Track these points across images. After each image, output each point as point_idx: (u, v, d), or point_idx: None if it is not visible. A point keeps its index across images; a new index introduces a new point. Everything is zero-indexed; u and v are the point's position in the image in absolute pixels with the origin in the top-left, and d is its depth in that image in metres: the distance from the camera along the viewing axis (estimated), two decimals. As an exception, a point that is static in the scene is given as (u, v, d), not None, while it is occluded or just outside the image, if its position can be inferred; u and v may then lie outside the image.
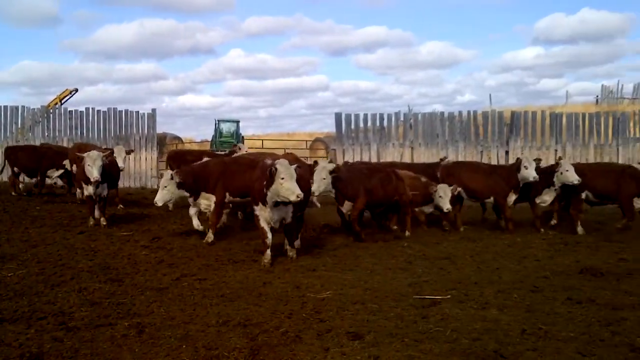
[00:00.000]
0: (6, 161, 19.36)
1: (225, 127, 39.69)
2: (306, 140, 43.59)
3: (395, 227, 13.35)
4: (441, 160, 16.10)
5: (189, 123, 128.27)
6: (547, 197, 13.83)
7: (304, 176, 10.45)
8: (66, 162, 17.97)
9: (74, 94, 37.77)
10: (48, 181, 18.75)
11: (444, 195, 12.86)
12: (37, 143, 23.45)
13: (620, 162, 25.15)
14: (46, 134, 26.25)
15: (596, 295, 7.94)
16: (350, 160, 22.14)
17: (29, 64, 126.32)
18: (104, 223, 13.20)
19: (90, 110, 27.16)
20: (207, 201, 12.09)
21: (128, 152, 16.33)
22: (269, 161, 9.88)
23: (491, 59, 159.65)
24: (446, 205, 12.86)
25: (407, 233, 12.75)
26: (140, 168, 26.61)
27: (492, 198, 13.83)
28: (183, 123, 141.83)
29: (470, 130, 26.86)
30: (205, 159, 13.37)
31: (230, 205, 12.51)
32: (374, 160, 24.72)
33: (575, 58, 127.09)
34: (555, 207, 14.10)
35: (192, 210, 12.26)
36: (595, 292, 8.12)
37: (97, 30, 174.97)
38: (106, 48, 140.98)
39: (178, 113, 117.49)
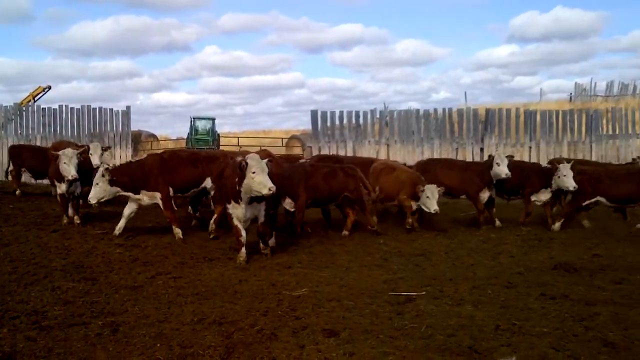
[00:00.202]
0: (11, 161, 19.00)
1: (201, 125, 39.53)
2: (282, 138, 43.52)
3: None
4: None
5: (165, 120, 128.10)
6: (542, 197, 13.84)
7: (277, 172, 10.44)
8: None
9: (47, 91, 37.43)
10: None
11: (431, 196, 12.54)
12: (10, 141, 23.20)
13: (593, 159, 25.42)
14: (19, 131, 25.93)
15: (570, 291, 8.02)
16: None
17: (1, 61, 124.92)
18: (78, 221, 13.06)
19: (64, 107, 26.87)
20: (150, 199, 11.96)
21: (105, 149, 16.16)
22: (239, 158, 9.86)
23: (466, 57, 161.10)
24: (433, 207, 12.53)
25: (344, 232, 12.47)
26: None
27: (465, 194, 13.92)
28: (158, 120, 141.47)
29: (445, 128, 26.98)
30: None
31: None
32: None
33: (549, 56, 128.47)
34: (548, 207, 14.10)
35: (127, 211, 12.10)
36: (569, 288, 8.20)
37: (70, 27, 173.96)
38: (80, 45, 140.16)
39: (153, 110, 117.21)
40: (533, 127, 27.21)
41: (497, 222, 13.79)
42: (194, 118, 39.86)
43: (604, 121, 28.06)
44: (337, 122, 26.75)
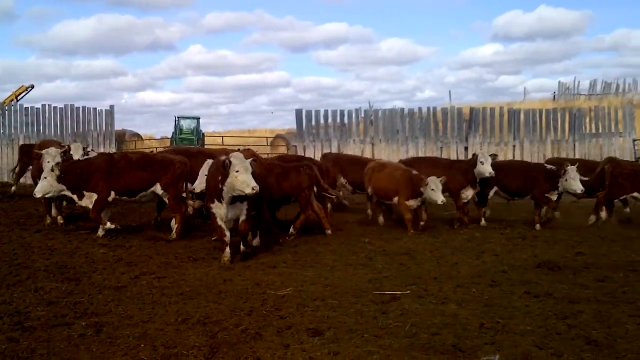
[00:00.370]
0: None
1: (186, 124, 39.35)
2: (267, 137, 43.42)
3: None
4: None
5: (149, 120, 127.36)
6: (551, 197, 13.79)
7: (260, 172, 10.40)
8: None
9: (30, 90, 37.22)
10: None
11: (435, 188, 12.47)
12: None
13: (576, 157, 25.57)
14: (1, 130, 25.78)
15: (553, 289, 8.06)
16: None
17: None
18: (61, 221, 12.99)
19: (47, 106, 26.78)
20: (88, 199, 11.73)
21: (85, 149, 16.07)
22: (222, 157, 9.83)
23: (451, 56, 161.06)
24: (440, 198, 12.46)
25: (291, 230, 12.15)
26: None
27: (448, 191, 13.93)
28: (143, 120, 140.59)
29: (430, 127, 27.14)
30: None
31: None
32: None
33: (533, 55, 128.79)
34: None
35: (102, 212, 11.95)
36: (552, 286, 8.24)
37: (54, 25, 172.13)
38: (64, 44, 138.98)
39: (137, 110, 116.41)
40: (517, 126, 27.40)
41: (482, 221, 13.81)
42: (178, 117, 39.68)
43: (587, 120, 28.28)
44: (322, 121, 26.84)
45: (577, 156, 26.08)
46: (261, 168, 10.86)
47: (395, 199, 13.09)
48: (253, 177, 9.28)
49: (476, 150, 17.48)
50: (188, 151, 15.07)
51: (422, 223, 12.91)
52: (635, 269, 9.24)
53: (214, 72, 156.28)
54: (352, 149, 25.86)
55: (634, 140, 28.47)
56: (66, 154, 13.47)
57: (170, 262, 9.73)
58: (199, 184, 11.14)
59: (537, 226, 13.38)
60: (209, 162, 11.06)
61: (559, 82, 55.28)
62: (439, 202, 12.51)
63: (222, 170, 9.36)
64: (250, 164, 9.40)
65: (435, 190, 12.41)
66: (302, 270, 9.29)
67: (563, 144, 27.70)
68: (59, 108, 26.79)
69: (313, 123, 26.72)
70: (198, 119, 40.10)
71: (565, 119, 28.09)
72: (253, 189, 9.17)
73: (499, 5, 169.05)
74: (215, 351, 5.80)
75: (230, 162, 9.24)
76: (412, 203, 12.88)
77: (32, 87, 37.27)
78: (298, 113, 26.69)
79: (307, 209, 12.15)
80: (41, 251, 10.42)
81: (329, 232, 12.34)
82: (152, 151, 21.40)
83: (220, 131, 55.36)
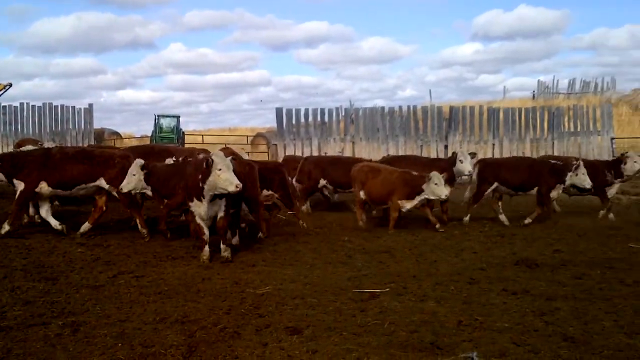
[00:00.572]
0: None
1: (165, 123, 39.23)
2: (247, 136, 43.37)
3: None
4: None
5: (129, 118, 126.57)
6: (554, 193, 13.83)
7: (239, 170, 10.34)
8: None
9: (8, 88, 36.74)
10: None
11: (438, 182, 12.42)
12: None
13: (555, 155, 25.77)
14: (-21, 129, 25.55)
15: (531, 286, 8.11)
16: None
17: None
18: (39, 220, 12.87)
19: (25, 105, 26.58)
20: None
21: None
22: (201, 156, 9.79)
23: (431, 55, 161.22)
24: (444, 192, 12.44)
25: (260, 234, 11.73)
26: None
27: None
28: (122, 118, 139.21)
29: (410, 125, 27.24)
30: None
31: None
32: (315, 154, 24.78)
33: (513, 54, 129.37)
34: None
35: (44, 210, 11.88)
36: (530, 283, 8.29)
37: (32, 23, 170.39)
38: (42, 42, 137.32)
39: (117, 108, 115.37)
40: (496, 124, 27.59)
41: (466, 218, 13.85)
42: (158, 116, 39.53)
43: (566, 119, 28.51)
44: (303, 119, 26.87)
45: (556, 154, 26.29)
46: (240, 166, 10.80)
47: (390, 203, 12.91)
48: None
49: (456, 149, 17.57)
50: (152, 149, 15.05)
51: (438, 226, 12.78)
52: (612, 266, 9.32)
53: (195, 70, 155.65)
54: (332, 148, 25.93)
55: (612, 139, 28.76)
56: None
57: (148, 261, 9.68)
58: (127, 184, 10.99)
59: (527, 220, 13.49)
60: (138, 162, 11.06)
61: (539, 81, 55.72)
62: (443, 196, 12.52)
63: (203, 168, 9.33)
64: (231, 162, 9.39)
65: (438, 184, 12.39)
66: (282, 268, 9.28)
67: (542, 143, 27.91)
68: (37, 107, 26.62)
69: (293, 122, 26.72)
70: (178, 117, 39.99)
71: (544, 118, 28.32)
72: (237, 186, 9.16)
73: (479, 4, 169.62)
74: (194, 350, 5.78)
75: (212, 160, 9.22)
76: (408, 204, 12.77)
77: (10, 85, 36.77)
78: (278, 112, 26.68)
79: (258, 209, 11.67)
80: (18, 250, 10.32)
81: (261, 235, 11.77)
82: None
83: (200, 130, 55.31)
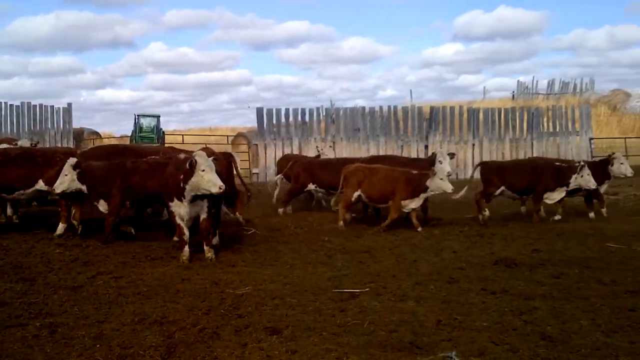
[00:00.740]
0: None
1: (145, 122, 39.01)
2: (228, 135, 43.22)
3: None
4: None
5: (109, 118, 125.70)
6: (556, 195, 13.81)
7: (221, 170, 10.31)
8: None
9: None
10: None
11: (444, 177, 12.53)
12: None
13: (534, 155, 25.98)
14: (-45, 129, 25.28)
15: (509, 286, 8.15)
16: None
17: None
18: (17, 221, 12.78)
19: (2, 104, 26.30)
20: None
21: (34, 146, 15.78)
22: (182, 155, 9.75)
23: (412, 55, 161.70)
24: (450, 186, 12.54)
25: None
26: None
27: None
28: (102, 118, 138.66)
29: (390, 125, 27.33)
30: None
31: None
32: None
33: (492, 54, 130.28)
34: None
35: None
36: (509, 283, 8.33)
37: (11, 22, 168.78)
38: (21, 40, 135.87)
39: (97, 108, 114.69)
40: (476, 124, 27.76)
41: (483, 216, 13.77)
42: (138, 115, 39.31)
43: (545, 119, 28.73)
44: (283, 119, 26.85)
45: (535, 155, 26.49)
46: (221, 166, 10.75)
47: (391, 202, 12.85)
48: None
49: (436, 149, 17.61)
50: (115, 148, 15.09)
51: (420, 229, 12.73)
52: (589, 266, 9.38)
53: (175, 69, 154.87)
54: (313, 148, 25.89)
55: (590, 139, 29.01)
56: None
57: (127, 262, 9.62)
58: (59, 184, 10.87)
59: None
60: (70, 161, 10.94)
61: (518, 81, 56.11)
62: (449, 190, 12.55)
63: (185, 169, 9.29)
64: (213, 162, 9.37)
65: (444, 179, 12.49)
66: (262, 268, 9.27)
67: (521, 143, 28.11)
68: (16, 106, 26.35)
69: (274, 121, 26.70)
70: (158, 117, 39.79)
71: (523, 118, 28.51)
72: (220, 188, 9.16)
73: (459, 5, 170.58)
74: (172, 351, 5.75)
75: (196, 161, 9.18)
76: (412, 204, 12.79)
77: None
78: (259, 111, 26.64)
79: None
80: (-5, 251, 10.22)
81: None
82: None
83: (181, 129, 55.09)
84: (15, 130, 25.55)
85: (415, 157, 23.80)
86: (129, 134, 39.94)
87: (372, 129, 27.14)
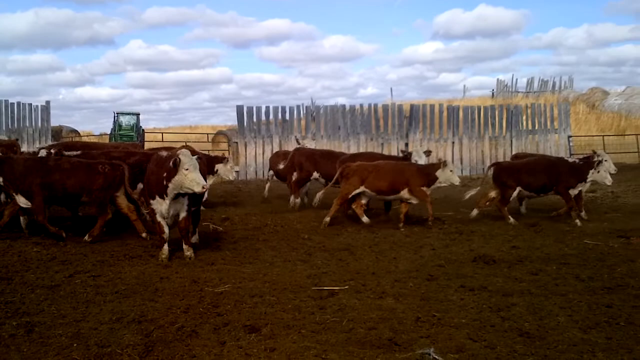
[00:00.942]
0: None
1: (125, 120, 38.77)
2: (208, 134, 43.14)
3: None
4: None
5: (88, 116, 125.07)
6: (575, 191, 13.70)
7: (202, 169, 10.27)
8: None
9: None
10: None
11: (453, 169, 12.76)
12: None
13: (513, 153, 26.09)
14: None
15: (488, 283, 8.21)
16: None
17: None
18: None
19: (-20, 103, 26.03)
20: None
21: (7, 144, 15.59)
22: (164, 153, 9.71)
23: (392, 53, 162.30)
24: (457, 180, 12.88)
25: (86, 237, 10.91)
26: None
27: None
28: (81, 116, 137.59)
29: (371, 123, 27.38)
30: None
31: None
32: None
33: (472, 53, 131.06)
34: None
35: None
36: (487, 279, 8.39)
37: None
38: None
39: (76, 106, 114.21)
40: (456, 122, 27.90)
41: (511, 220, 13.50)
42: (117, 113, 39.07)
43: (524, 117, 28.91)
44: (264, 117, 26.80)
45: (514, 152, 26.62)
46: (202, 164, 10.71)
47: (404, 192, 12.91)
48: None
49: (417, 147, 17.65)
50: (74, 145, 15.22)
51: (401, 225, 12.83)
52: (567, 262, 9.47)
53: (155, 67, 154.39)
54: (293, 146, 25.87)
55: (569, 137, 29.24)
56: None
57: (106, 261, 9.55)
58: None
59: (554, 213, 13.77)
60: None
61: (498, 79, 56.48)
62: (457, 183, 12.88)
63: (168, 167, 9.24)
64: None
65: (453, 171, 12.73)
66: (241, 266, 9.24)
67: (500, 140, 28.29)
68: (-7, 104, 26.10)
69: (254, 119, 26.64)
70: (138, 115, 39.56)
71: (502, 116, 28.70)
72: (203, 187, 9.18)
73: (439, 3, 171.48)
74: (150, 350, 5.73)
75: (179, 159, 9.13)
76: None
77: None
78: (239, 109, 26.56)
79: (103, 212, 11.10)
80: (-29, 250, 10.11)
81: (144, 235, 11.21)
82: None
83: (161, 127, 54.84)
84: (-8, 129, 25.30)
85: (395, 155, 23.79)
86: (109, 132, 39.69)
87: (352, 127, 27.16)
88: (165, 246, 9.67)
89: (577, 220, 13.15)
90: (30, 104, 26.69)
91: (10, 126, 25.80)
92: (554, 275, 8.65)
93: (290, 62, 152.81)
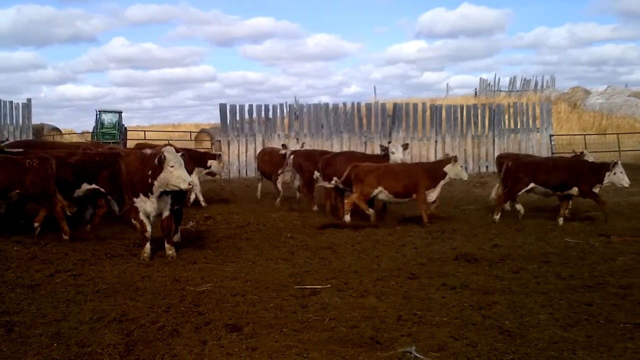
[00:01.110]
0: None
1: (107, 118, 38.47)
2: (191, 132, 42.98)
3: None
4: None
5: (70, 114, 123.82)
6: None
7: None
8: None
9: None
10: None
11: (462, 165, 13.09)
12: None
13: (496, 152, 26.28)
14: None
15: (469, 281, 8.23)
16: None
17: None
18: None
19: (-40, 100, 25.80)
20: None
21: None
22: (148, 151, 9.67)
23: (376, 52, 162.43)
24: (465, 175, 13.30)
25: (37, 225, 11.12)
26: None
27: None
28: (63, 114, 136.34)
29: (354, 122, 27.40)
30: None
31: None
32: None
33: (455, 52, 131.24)
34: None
35: None
36: (469, 278, 8.41)
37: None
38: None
39: (58, 104, 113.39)
40: (439, 121, 27.97)
41: (521, 211, 13.75)
42: (99, 111, 38.78)
43: (507, 116, 29.06)
44: (247, 115, 26.77)
45: (496, 151, 26.78)
46: (188, 162, 10.68)
47: (415, 195, 13.16)
48: None
49: (393, 142, 17.60)
50: (33, 143, 15.43)
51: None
52: (548, 261, 9.52)
53: (138, 65, 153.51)
54: (277, 144, 25.84)
55: (550, 136, 29.42)
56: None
57: (87, 259, 9.49)
58: None
59: (560, 220, 13.31)
60: None
61: (480, 78, 56.58)
62: (465, 178, 13.56)
63: (153, 164, 9.19)
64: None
65: (462, 167, 13.11)
66: (223, 265, 9.23)
67: (483, 139, 28.43)
68: (-27, 101, 25.88)
69: (237, 118, 26.59)
70: (120, 113, 39.28)
71: (485, 115, 28.83)
72: (190, 184, 9.15)
73: (422, 3, 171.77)
74: (131, 349, 5.70)
75: (165, 157, 9.09)
76: (432, 193, 13.18)
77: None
78: (222, 108, 26.50)
79: (51, 205, 10.99)
80: (-49, 249, 10.01)
81: (66, 237, 10.92)
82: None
83: (144, 125, 54.52)
84: (-28, 127, 25.10)
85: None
86: (91, 130, 39.44)
87: (336, 126, 27.18)
88: (148, 245, 9.62)
89: (561, 219, 13.24)
90: (11, 102, 26.48)
91: (-10, 124, 25.60)
92: (535, 274, 8.70)
93: (274, 61, 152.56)
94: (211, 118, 64.55)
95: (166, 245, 9.79)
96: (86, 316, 6.65)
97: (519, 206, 14.20)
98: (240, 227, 12.66)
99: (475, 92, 54.19)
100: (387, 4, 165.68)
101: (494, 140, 28.41)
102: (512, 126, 28.95)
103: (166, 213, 9.71)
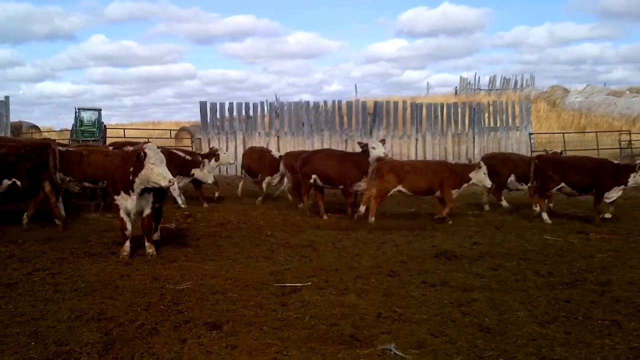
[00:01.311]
0: None
1: (86, 116, 38.15)
2: (171, 130, 42.76)
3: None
4: None
5: (48, 111, 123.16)
6: (614, 194, 13.40)
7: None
8: None
9: None
10: None
11: (486, 172, 13.05)
12: None
13: (476, 150, 26.44)
14: None
15: (449, 278, 8.25)
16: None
17: None
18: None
19: (-64, 98, 25.53)
20: None
21: None
22: (130, 148, 9.60)
23: (357, 50, 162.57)
24: (489, 182, 13.32)
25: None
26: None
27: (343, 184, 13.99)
28: (41, 111, 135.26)
29: (335, 120, 27.44)
30: None
31: None
32: (239, 149, 24.64)
33: (436, 51, 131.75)
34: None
35: None
36: (449, 275, 8.44)
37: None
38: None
39: (36, 101, 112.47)
40: (419, 119, 28.07)
41: (545, 216, 13.44)
42: (78, 109, 38.48)
43: (487, 114, 29.22)
44: (227, 113, 26.72)
45: (476, 149, 26.94)
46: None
47: (438, 193, 13.28)
48: None
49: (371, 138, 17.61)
50: None
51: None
52: (527, 258, 9.59)
53: (117, 63, 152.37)
54: (257, 142, 25.83)
55: (530, 134, 29.62)
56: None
57: (65, 258, 9.39)
58: None
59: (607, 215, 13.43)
60: None
61: (461, 77, 56.97)
62: (489, 185, 13.52)
63: (134, 161, 9.12)
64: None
65: (486, 174, 13.13)
66: (203, 263, 9.18)
67: (463, 137, 28.58)
68: (-50, 99, 25.61)
69: (218, 116, 26.55)
70: (99, 110, 38.98)
71: (465, 113, 28.98)
72: (170, 181, 9.08)
73: (403, 1, 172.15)
74: (110, 348, 5.65)
75: (145, 153, 9.03)
76: (455, 193, 13.37)
77: None
78: (202, 106, 26.47)
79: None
80: None
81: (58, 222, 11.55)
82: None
83: (124, 123, 54.23)
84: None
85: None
86: (70, 128, 39.13)
87: (316, 124, 27.21)
88: (127, 243, 9.55)
89: (544, 214, 13.34)
90: (-12, 99, 26.24)
91: (-33, 122, 25.36)
92: (514, 271, 8.75)
93: (254, 59, 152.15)
94: (192, 116, 64.32)
95: (146, 243, 9.72)
96: (64, 315, 6.58)
97: (504, 203, 14.29)
98: (221, 225, 12.62)
99: (456, 91, 54.53)
100: (367, 2, 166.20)
101: (474, 138, 28.58)
102: (492, 124, 29.15)
103: (147, 211, 9.64)
